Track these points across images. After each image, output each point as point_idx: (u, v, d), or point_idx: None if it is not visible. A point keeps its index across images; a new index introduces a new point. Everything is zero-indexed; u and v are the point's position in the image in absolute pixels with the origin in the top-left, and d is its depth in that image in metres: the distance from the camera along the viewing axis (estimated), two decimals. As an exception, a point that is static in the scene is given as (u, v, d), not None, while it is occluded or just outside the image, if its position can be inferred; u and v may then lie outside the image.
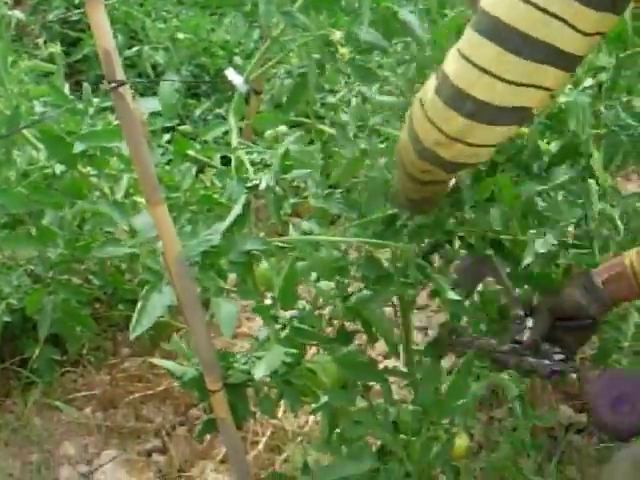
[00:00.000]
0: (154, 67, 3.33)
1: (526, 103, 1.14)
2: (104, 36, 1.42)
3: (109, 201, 1.61)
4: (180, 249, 1.54)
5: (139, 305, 1.56)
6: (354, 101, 1.72)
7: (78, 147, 1.67)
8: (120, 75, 1.43)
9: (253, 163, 1.51)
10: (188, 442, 2.48)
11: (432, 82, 1.21)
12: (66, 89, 2.44)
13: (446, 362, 3.02)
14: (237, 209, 1.48)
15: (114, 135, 1.62)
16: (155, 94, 1.63)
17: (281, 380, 1.65)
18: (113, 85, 1.43)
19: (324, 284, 1.65)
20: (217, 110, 3.35)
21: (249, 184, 1.47)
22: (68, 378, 2.71)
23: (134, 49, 3.31)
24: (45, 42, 3.48)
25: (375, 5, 1.42)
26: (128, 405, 2.62)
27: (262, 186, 1.46)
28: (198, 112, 3.27)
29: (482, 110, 1.14)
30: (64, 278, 2.31)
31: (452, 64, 1.16)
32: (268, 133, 1.72)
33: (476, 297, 1.86)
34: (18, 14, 3.55)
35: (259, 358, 1.60)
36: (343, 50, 1.50)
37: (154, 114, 1.68)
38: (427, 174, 1.34)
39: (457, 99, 1.15)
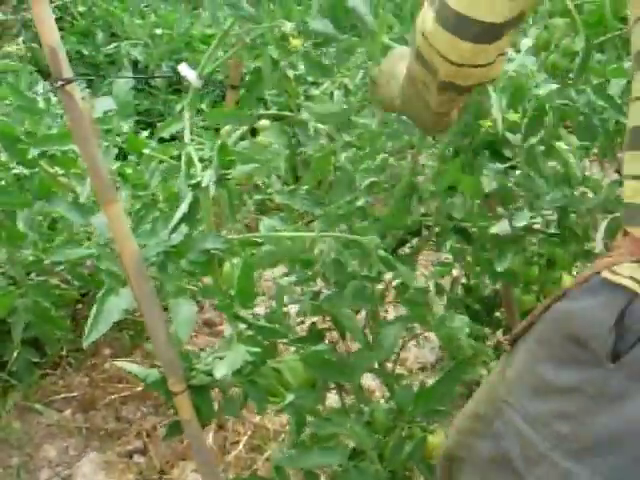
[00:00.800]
0: (135, 63, 3.30)
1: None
2: (49, 32, 1.38)
3: (68, 202, 1.57)
4: (136, 249, 1.50)
5: (94, 309, 1.53)
6: (337, 94, 1.69)
7: (33, 151, 1.64)
8: (67, 72, 1.40)
9: (202, 160, 1.47)
10: (168, 443, 2.45)
11: (429, 11, 1.19)
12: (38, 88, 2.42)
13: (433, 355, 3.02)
14: (183, 207, 1.45)
15: (66, 137, 1.58)
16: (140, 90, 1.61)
17: (246, 380, 1.62)
18: (60, 83, 1.39)
19: (285, 280, 1.62)
20: (201, 105, 3.31)
21: (192, 182, 1.43)
22: (48, 380, 2.68)
23: (112, 45, 3.27)
24: (24, 41, 3.45)
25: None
26: (108, 406, 2.59)
27: (204, 183, 1.42)
28: (179, 107, 3.22)
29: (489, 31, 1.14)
30: (39, 280, 2.28)
31: None
32: (225, 129, 1.68)
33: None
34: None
35: (221, 358, 1.57)
36: (295, 42, 1.46)
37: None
38: (446, 103, 1.33)
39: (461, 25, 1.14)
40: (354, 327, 1.75)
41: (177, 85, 3.53)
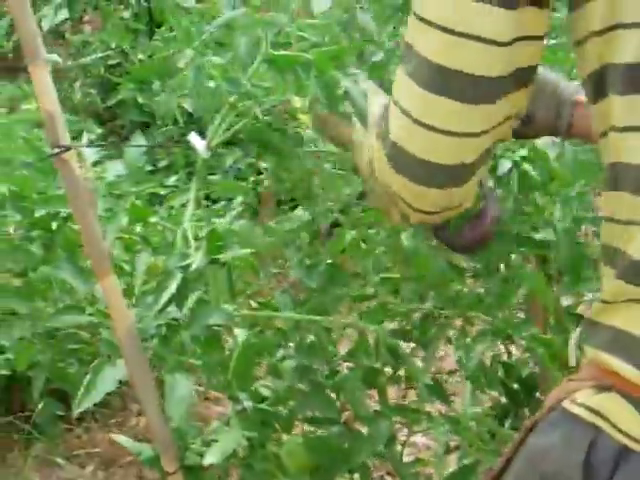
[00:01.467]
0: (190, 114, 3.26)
1: None
2: (48, 99, 1.35)
3: (72, 267, 1.52)
4: (131, 323, 1.45)
5: (88, 377, 1.48)
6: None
7: (38, 212, 1.60)
8: (64, 140, 1.35)
9: (196, 238, 1.42)
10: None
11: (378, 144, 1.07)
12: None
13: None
14: (171, 289, 1.39)
15: (62, 201, 1.54)
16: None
17: (242, 463, 1.55)
18: (57, 151, 1.35)
19: (287, 363, 1.55)
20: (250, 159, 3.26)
21: (181, 263, 1.37)
22: (72, 434, 2.65)
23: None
24: (81, 86, 3.47)
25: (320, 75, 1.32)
26: (130, 465, 2.54)
27: (193, 267, 1.36)
28: (230, 161, 3.18)
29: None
30: (60, 334, 2.24)
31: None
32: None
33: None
34: (55, 57, 3.55)
35: (216, 441, 1.50)
36: (304, 118, 1.40)
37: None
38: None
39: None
40: (364, 411, 1.67)
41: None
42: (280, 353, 1.59)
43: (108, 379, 1.49)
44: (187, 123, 2.12)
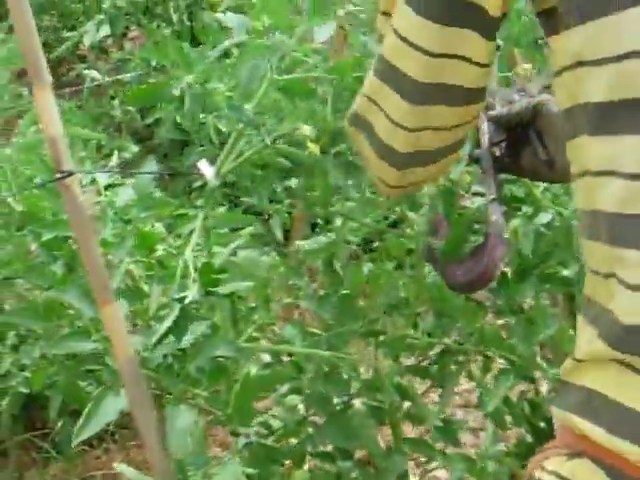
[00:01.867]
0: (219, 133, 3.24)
1: None
2: (51, 122, 1.32)
3: (79, 290, 1.50)
4: (131, 353, 1.42)
5: (89, 406, 1.46)
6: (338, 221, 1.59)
7: (45, 235, 1.58)
8: (67, 165, 1.33)
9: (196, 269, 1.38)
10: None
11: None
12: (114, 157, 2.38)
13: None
14: (168, 321, 1.35)
15: (65, 225, 1.51)
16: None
17: (244, 500, 1.51)
18: (59, 176, 1.32)
19: (290, 398, 1.50)
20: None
21: (177, 295, 1.34)
22: (90, 455, 2.62)
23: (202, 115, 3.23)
24: (121, 103, 3.47)
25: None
26: (147, 487, 2.50)
27: (188, 299, 1.32)
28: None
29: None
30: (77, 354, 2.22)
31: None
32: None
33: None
34: (95, 74, 3.56)
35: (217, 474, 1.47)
36: (313, 146, 1.36)
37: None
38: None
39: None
40: (376, 447, 1.63)
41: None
42: (286, 387, 1.54)
43: (109, 409, 1.46)
44: (223, 144, 2.05)
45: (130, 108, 3.50)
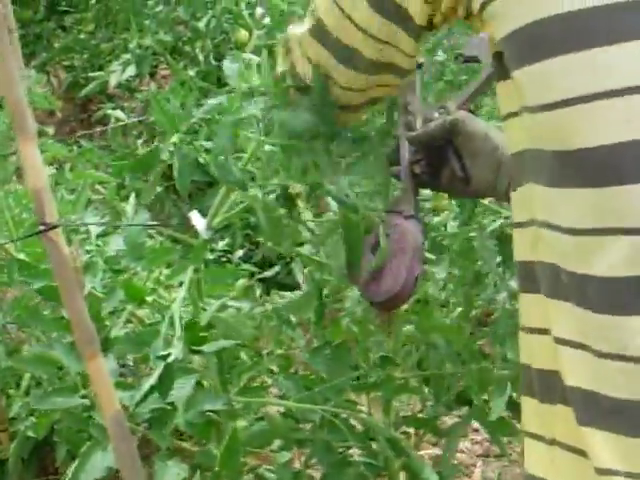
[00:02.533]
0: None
1: None
2: (36, 175, 1.30)
3: (65, 344, 1.47)
4: (118, 409, 1.38)
5: (77, 462, 1.43)
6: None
7: (35, 284, 1.55)
8: (50, 217, 1.30)
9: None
10: None
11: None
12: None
13: None
14: (152, 379, 1.32)
15: (47, 275, 1.49)
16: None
17: None
18: (43, 228, 1.30)
19: (281, 455, 1.47)
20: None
21: (160, 353, 1.31)
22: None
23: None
24: (144, 142, 3.45)
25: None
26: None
27: (171, 358, 1.29)
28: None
29: None
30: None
31: None
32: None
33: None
34: (119, 113, 3.55)
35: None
36: (302, 205, 1.33)
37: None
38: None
39: None
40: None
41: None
42: (277, 443, 1.50)
43: (97, 465, 1.44)
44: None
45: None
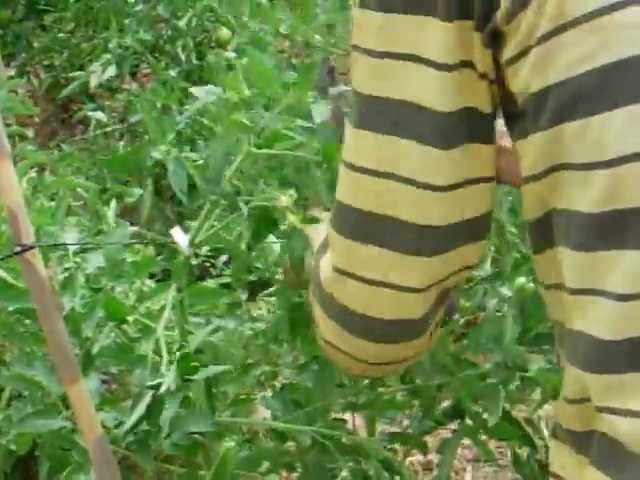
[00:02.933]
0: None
1: None
2: (11, 193, 1.25)
3: (46, 366, 1.42)
4: (100, 434, 1.34)
5: (58, 488, 1.39)
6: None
7: (9, 306, 1.50)
8: (27, 238, 1.25)
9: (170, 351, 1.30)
10: None
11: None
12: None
13: None
14: (140, 408, 1.27)
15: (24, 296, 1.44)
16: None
17: None
18: (18, 249, 1.25)
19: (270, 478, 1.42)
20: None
21: (150, 382, 1.26)
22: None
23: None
24: (125, 145, 3.40)
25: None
26: None
27: (163, 388, 1.24)
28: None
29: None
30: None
31: None
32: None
33: None
34: (100, 115, 3.50)
35: None
36: (293, 218, 1.28)
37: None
38: None
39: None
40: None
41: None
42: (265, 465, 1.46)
43: (78, 491, 1.39)
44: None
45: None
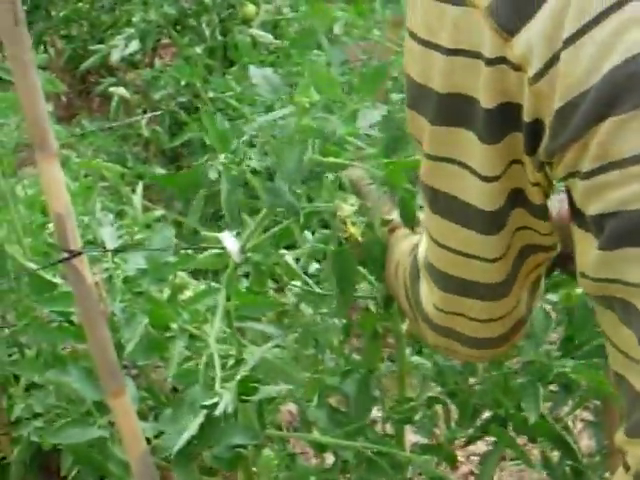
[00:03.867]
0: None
1: None
2: (57, 198, 1.18)
3: (80, 372, 1.36)
4: (144, 449, 1.27)
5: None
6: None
7: (45, 310, 1.44)
8: (74, 244, 1.19)
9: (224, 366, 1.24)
10: None
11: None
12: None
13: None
14: (192, 428, 1.21)
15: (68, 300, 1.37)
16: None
17: None
18: (66, 256, 1.18)
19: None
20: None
21: (206, 402, 1.20)
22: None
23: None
24: (148, 122, 3.32)
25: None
26: None
27: (219, 410, 1.18)
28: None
29: None
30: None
31: None
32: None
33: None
34: (122, 90, 3.41)
35: None
36: (353, 230, 1.22)
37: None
38: None
39: None
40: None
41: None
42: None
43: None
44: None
45: (158, 128, 3.36)
